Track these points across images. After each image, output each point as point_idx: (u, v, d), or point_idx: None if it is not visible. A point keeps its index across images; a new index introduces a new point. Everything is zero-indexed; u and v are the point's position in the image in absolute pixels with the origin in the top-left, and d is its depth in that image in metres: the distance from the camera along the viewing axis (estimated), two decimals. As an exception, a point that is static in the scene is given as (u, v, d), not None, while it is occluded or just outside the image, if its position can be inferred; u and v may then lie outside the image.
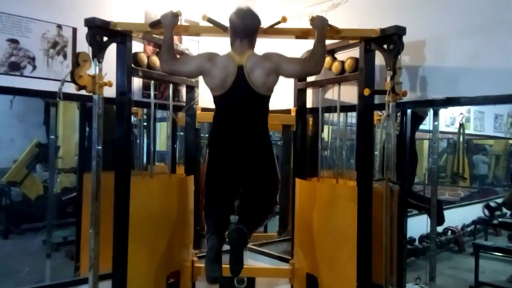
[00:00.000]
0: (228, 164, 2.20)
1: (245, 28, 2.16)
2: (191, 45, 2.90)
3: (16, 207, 5.15)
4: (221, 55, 2.19)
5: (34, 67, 2.32)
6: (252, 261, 3.02)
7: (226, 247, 2.13)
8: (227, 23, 2.20)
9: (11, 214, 4.93)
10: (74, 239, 3.45)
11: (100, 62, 2.17)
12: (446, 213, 5.51)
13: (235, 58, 2.15)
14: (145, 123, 3.02)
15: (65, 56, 2.42)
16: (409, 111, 2.54)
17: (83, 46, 2.22)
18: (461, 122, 3.94)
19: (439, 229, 4.78)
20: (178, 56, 2.40)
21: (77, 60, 2.11)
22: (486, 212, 5.27)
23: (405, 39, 2.18)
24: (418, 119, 2.71)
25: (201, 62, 2.18)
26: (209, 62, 2.15)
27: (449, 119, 5.30)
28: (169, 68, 2.23)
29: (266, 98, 2.22)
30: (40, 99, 3.20)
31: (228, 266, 2.08)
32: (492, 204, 5.30)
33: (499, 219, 5.17)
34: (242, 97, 2.15)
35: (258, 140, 2.22)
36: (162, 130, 3.53)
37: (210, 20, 2.19)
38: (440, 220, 2.98)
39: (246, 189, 2.27)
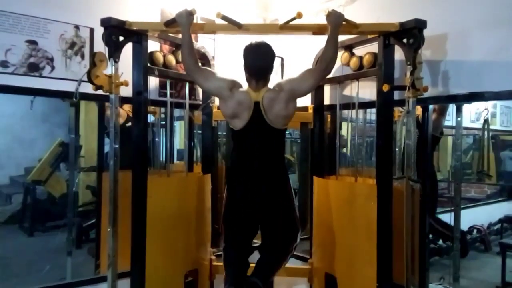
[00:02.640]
0: (247, 203, 2.23)
1: (261, 70, 2.21)
2: (207, 43, 2.89)
3: (41, 205, 5.27)
4: (240, 90, 2.22)
5: (53, 68, 2.35)
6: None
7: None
8: (240, 21, 2.19)
9: (36, 212, 5.04)
10: (95, 236, 3.52)
11: (116, 61, 2.19)
12: (472, 211, 5.39)
13: (252, 95, 2.20)
14: (162, 122, 3.03)
15: (82, 57, 2.44)
16: (431, 107, 2.46)
17: (100, 46, 2.24)
18: (485, 118, 3.80)
19: (464, 227, 4.65)
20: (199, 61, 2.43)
21: (94, 60, 2.12)
22: None
23: (425, 32, 2.12)
24: (435, 140, 2.62)
25: (222, 87, 2.22)
26: (228, 92, 2.20)
27: (474, 115, 5.15)
28: (191, 76, 2.30)
29: (283, 132, 2.27)
30: (61, 99, 3.24)
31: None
32: None
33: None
34: (259, 133, 2.20)
35: (276, 174, 2.24)
36: (181, 129, 3.55)
37: (224, 18, 2.17)
38: (464, 252, 2.93)
39: (265, 231, 2.30)
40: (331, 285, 2.56)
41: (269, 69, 2.24)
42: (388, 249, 2.26)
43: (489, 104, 4.61)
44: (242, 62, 2.25)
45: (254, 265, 2.31)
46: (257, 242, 2.41)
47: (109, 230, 2.20)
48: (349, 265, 2.45)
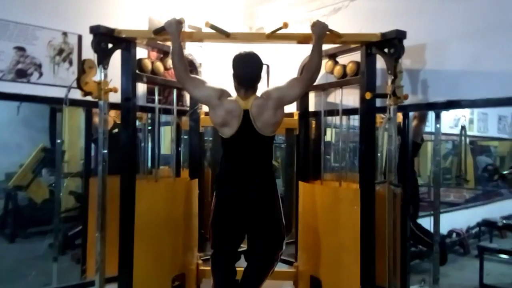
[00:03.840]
0: (235, 210, 2.28)
1: (250, 79, 2.27)
2: (194, 50, 2.93)
3: (23, 211, 5.20)
4: (229, 99, 2.27)
5: (41, 74, 2.36)
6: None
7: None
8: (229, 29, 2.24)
9: (17, 218, 4.98)
10: (80, 242, 3.50)
11: (105, 68, 2.21)
12: (451, 215, 5.52)
13: (241, 103, 2.25)
14: (149, 127, 3.06)
15: (70, 63, 2.46)
16: (411, 114, 2.56)
17: (88, 53, 2.27)
18: (462, 125, 3.94)
19: (444, 231, 4.78)
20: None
21: (83, 67, 2.15)
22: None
23: (405, 43, 2.21)
24: (416, 146, 2.71)
25: (211, 96, 2.26)
26: (217, 100, 2.25)
27: (452, 121, 5.31)
28: (181, 84, 2.34)
29: (271, 139, 2.32)
30: (45, 105, 3.24)
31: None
32: None
33: (504, 221, 5.15)
34: (249, 140, 2.25)
35: (264, 179, 2.29)
36: (166, 134, 3.58)
37: (213, 27, 2.23)
38: (443, 259, 3.01)
39: (251, 238, 2.35)
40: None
41: (257, 77, 2.30)
42: (371, 252, 2.33)
43: (467, 111, 4.76)
44: (231, 71, 2.30)
45: (240, 269, 2.35)
46: (243, 246, 2.46)
47: (97, 234, 2.21)
48: (333, 268, 2.52)
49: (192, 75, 2.41)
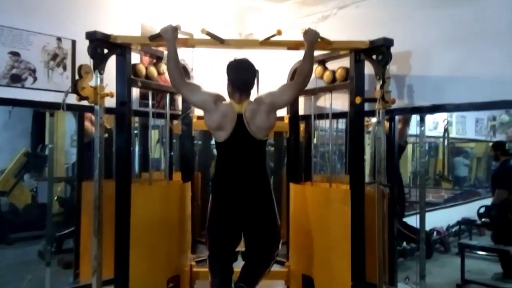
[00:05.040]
0: (231, 212, 2.33)
1: (244, 85, 2.34)
2: (185, 53, 2.97)
3: (4, 217, 5.11)
4: (224, 103, 2.33)
5: (35, 79, 2.37)
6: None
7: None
8: (224, 35, 2.31)
9: (-1, 224, 4.89)
10: (67, 248, 3.47)
11: (101, 73, 2.24)
12: (431, 214, 5.69)
13: (235, 106, 2.31)
14: (136, 131, 3.07)
15: (64, 68, 2.47)
16: (396, 117, 2.67)
17: (82, 58, 2.30)
18: (445, 127, 4.10)
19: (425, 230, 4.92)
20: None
21: (80, 72, 2.17)
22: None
23: (392, 49, 2.31)
24: (400, 148, 2.82)
25: (207, 101, 2.31)
26: (213, 105, 2.30)
27: (432, 124, 5.49)
28: (177, 89, 2.38)
29: (264, 142, 2.38)
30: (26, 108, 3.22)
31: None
32: None
33: (483, 219, 5.34)
34: (243, 143, 2.30)
35: (258, 182, 2.35)
36: (154, 138, 3.59)
37: (208, 34, 2.28)
38: (429, 252, 3.09)
39: (249, 239, 2.40)
40: (308, 286, 2.69)
41: (251, 83, 2.36)
42: (361, 250, 2.42)
43: (446, 114, 4.94)
44: (226, 77, 2.35)
45: (238, 270, 2.40)
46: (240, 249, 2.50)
47: (93, 239, 2.23)
48: (325, 266, 2.59)
49: (188, 81, 2.46)
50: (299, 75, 2.35)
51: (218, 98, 2.33)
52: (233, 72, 2.33)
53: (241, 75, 2.33)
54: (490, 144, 7.47)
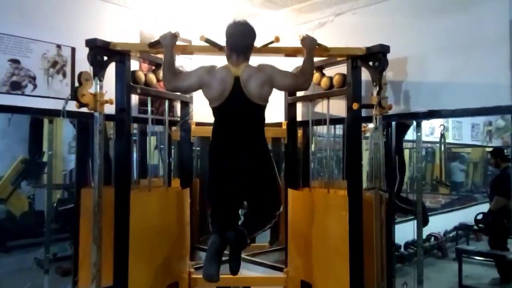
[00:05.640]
0: (229, 172, 2.28)
1: (242, 45, 2.28)
2: (184, 62, 3.00)
3: (2, 224, 5.11)
4: (219, 67, 2.29)
5: (35, 86, 2.39)
6: (246, 271, 3.09)
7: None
8: (222, 41, 2.32)
9: (-4, 232, 4.89)
10: (64, 255, 3.46)
11: (101, 80, 2.26)
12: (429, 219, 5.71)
13: (232, 69, 2.25)
14: (134, 138, 3.08)
15: (64, 75, 2.50)
16: (393, 123, 2.69)
17: (82, 65, 2.32)
18: (442, 133, 4.14)
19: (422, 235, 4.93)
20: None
21: (80, 79, 2.19)
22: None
23: (388, 56, 2.34)
24: (404, 127, 2.83)
25: (201, 75, 2.28)
26: (209, 75, 2.26)
27: (428, 129, 5.53)
28: (171, 86, 2.33)
29: (262, 108, 2.32)
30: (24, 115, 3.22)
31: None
32: None
33: (480, 225, 5.36)
34: (239, 107, 2.25)
35: (256, 147, 2.30)
36: (152, 144, 3.61)
37: (207, 41, 2.31)
38: (425, 221, 3.11)
39: (248, 195, 2.37)
40: (307, 292, 2.70)
41: (249, 45, 2.30)
42: (360, 256, 2.43)
43: (443, 119, 4.98)
44: (224, 39, 2.31)
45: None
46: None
47: (92, 245, 2.24)
48: (323, 272, 2.60)
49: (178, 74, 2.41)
50: (302, 74, 2.32)
51: (211, 67, 2.29)
52: (231, 32, 2.27)
53: (238, 36, 2.27)
54: (487, 149, 7.55)
